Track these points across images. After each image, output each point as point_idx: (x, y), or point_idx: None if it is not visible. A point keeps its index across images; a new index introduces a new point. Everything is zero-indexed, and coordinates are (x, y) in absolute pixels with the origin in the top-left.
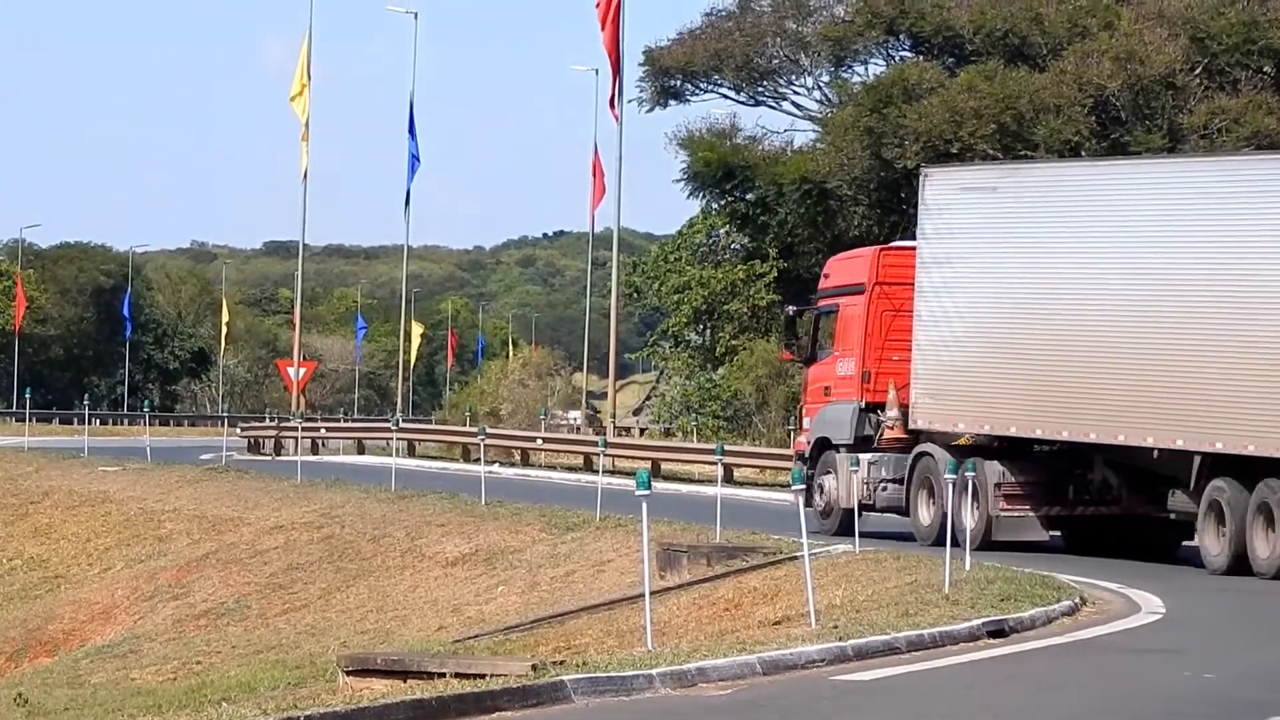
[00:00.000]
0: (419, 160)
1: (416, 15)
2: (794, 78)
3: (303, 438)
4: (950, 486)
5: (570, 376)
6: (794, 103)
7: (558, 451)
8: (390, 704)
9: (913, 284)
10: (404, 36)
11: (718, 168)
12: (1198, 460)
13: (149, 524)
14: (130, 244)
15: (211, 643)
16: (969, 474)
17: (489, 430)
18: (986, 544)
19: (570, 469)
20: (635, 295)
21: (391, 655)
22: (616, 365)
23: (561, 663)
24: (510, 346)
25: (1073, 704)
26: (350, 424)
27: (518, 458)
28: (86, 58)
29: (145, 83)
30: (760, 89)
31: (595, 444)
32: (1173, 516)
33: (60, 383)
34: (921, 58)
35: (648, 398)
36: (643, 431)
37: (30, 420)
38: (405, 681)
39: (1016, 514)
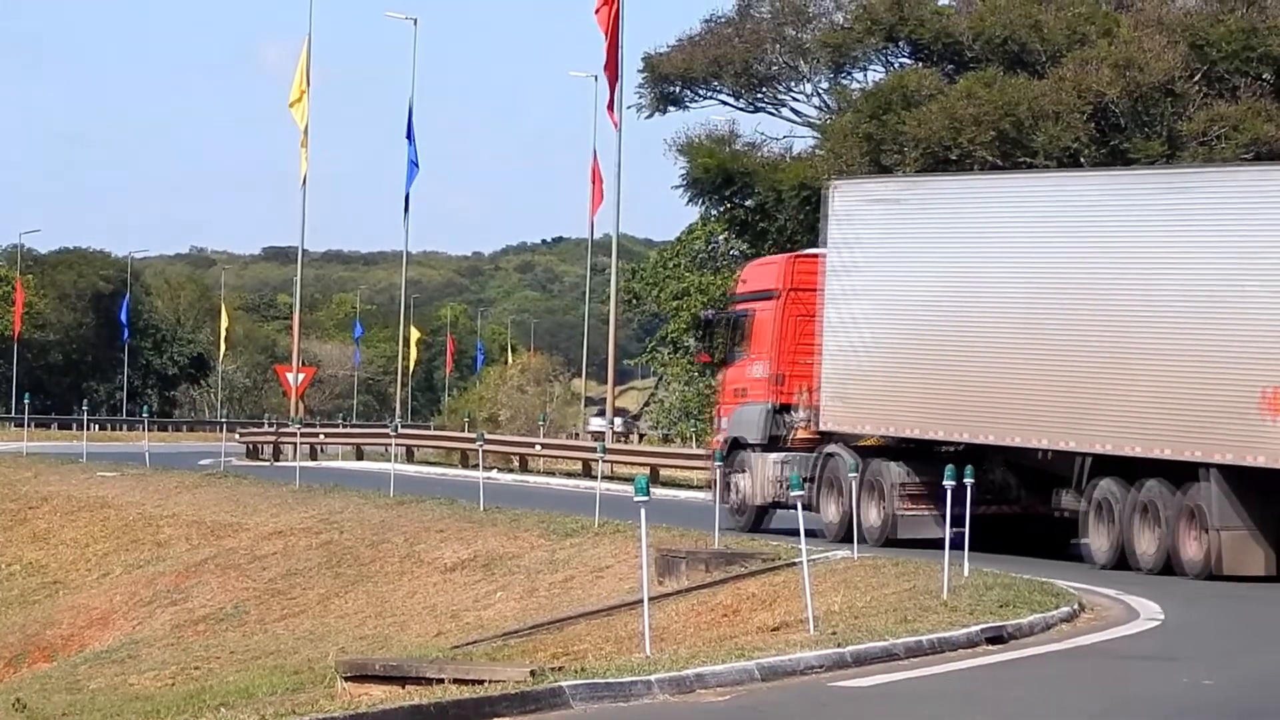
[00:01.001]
0: (418, 166)
1: (416, 21)
2: (793, 84)
3: (301, 443)
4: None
5: (569, 382)
6: (793, 109)
7: (556, 457)
8: (388, 710)
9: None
10: (403, 42)
11: (717, 174)
12: (1085, 461)
13: (147, 529)
14: (129, 249)
15: (210, 648)
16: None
17: (487, 436)
18: (889, 542)
19: (569, 475)
20: (634, 301)
21: (390, 661)
22: (615, 371)
23: (560, 669)
24: (509, 352)
25: (1071, 710)
26: (349, 429)
27: (516, 463)
28: (86, 60)
29: (144, 87)
30: (759, 95)
31: (594, 450)
32: (1064, 515)
33: (59, 388)
34: (921, 64)
35: (646, 403)
36: (641, 437)
37: (29, 425)
38: (404, 687)
39: (917, 513)
